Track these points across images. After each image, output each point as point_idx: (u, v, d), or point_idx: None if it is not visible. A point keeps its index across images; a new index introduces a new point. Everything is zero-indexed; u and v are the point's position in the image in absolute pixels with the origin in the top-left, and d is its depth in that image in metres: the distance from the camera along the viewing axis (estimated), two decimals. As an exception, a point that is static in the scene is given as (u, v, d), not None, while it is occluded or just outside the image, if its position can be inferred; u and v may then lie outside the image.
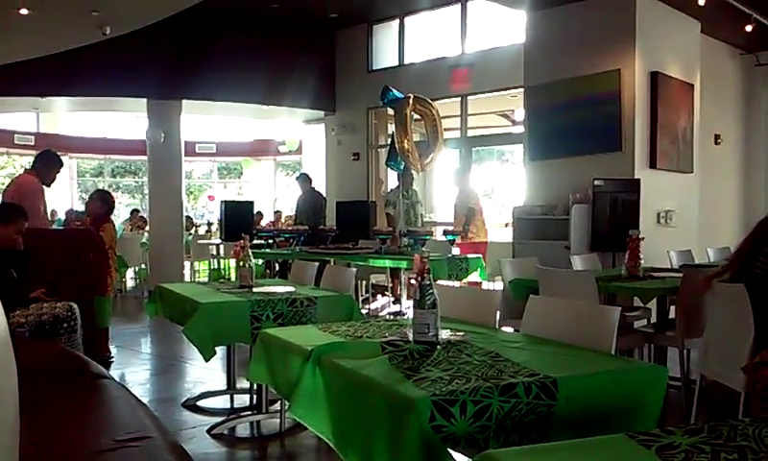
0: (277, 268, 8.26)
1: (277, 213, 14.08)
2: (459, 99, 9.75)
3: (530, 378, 1.83)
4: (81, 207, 15.46)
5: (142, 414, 2.36)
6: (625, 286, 4.07)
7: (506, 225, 9.98)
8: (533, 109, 8.01)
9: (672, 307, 4.28)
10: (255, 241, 8.28)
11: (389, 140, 7.77)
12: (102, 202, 6.27)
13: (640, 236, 4.43)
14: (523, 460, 1.25)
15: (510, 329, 3.54)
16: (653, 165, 7.30)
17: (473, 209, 7.52)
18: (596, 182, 6.96)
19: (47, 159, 5.91)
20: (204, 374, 5.05)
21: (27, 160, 18.68)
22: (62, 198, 17.15)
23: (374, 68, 10.91)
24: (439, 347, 2.21)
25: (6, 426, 1.55)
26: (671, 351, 4.17)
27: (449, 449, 1.67)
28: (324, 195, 10.11)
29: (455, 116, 9.89)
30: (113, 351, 6.00)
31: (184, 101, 10.62)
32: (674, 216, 7.53)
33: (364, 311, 6.91)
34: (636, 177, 7.05)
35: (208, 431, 3.73)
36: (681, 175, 7.73)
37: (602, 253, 6.20)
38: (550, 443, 1.47)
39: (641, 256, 4.36)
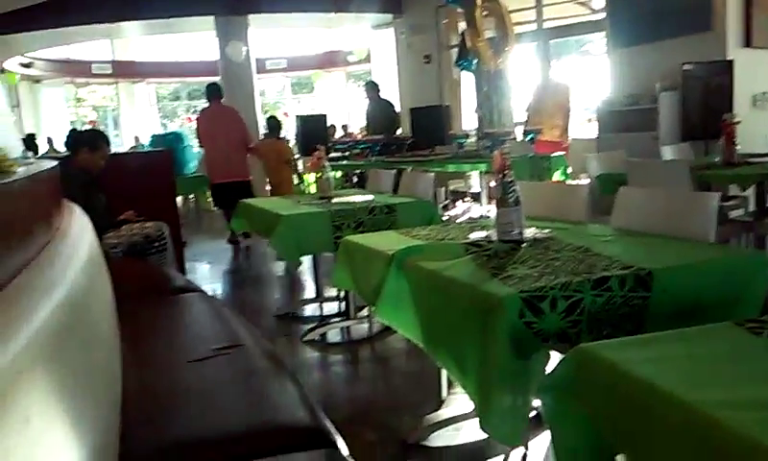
0: (355, 179, 8.28)
1: (345, 126, 14.02)
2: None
3: (623, 271, 1.75)
4: (159, 131, 15.92)
5: (235, 323, 2.43)
6: (721, 174, 3.84)
7: (589, 120, 9.57)
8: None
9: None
10: (331, 154, 8.29)
11: (459, 40, 7.47)
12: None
13: (736, 120, 4.13)
14: (621, 353, 1.18)
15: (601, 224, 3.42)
16: (748, 44, 6.74)
17: (564, 106, 7.16)
18: (685, 67, 6.50)
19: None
20: (293, 285, 5.18)
21: (105, 90, 19.30)
22: (145, 123, 17.67)
23: (441, -35, 10.44)
24: (524, 245, 2.14)
25: (105, 340, 1.62)
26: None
27: (540, 345, 1.63)
28: (397, 102, 9.93)
29: (530, 9, 9.39)
30: (207, 267, 6.24)
31: (251, 16, 10.53)
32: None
33: (444, 218, 6.87)
34: (728, 57, 6.54)
35: (300, 338, 3.84)
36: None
37: (693, 141, 5.85)
38: (649, 334, 1.39)
39: (737, 142, 4.08)
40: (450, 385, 2.73)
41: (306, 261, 4.50)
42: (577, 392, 1.24)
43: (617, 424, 1.13)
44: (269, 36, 15.85)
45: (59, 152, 9.66)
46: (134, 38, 16.25)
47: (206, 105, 7.38)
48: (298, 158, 8.16)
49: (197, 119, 7.63)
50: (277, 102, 21.88)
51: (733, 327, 1.25)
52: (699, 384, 1.02)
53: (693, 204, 2.24)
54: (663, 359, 1.13)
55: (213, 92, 7.25)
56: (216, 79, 9.82)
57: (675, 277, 1.81)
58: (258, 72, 11.62)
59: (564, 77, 7.48)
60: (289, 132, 11.22)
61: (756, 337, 1.19)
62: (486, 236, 2.28)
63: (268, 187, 8.17)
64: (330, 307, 4.44)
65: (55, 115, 16.70)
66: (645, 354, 1.15)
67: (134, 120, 18.09)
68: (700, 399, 0.96)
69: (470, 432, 2.47)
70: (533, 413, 1.66)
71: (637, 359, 1.12)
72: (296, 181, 7.96)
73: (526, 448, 2.28)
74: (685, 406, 0.97)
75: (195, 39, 16.33)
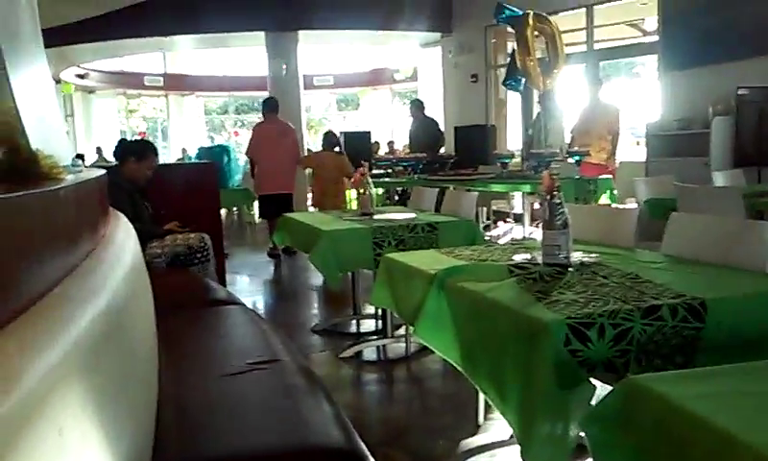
0: (397, 198, 8.27)
1: (391, 143, 14.05)
2: (584, 9, 9.13)
3: (676, 300, 1.67)
4: (206, 143, 16.20)
5: (273, 338, 2.42)
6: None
7: (637, 143, 9.39)
8: (669, 14, 7.37)
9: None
10: (374, 171, 8.30)
11: (508, 59, 7.42)
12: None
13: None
14: (673, 386, 1.12)
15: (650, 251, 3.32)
16: (808, 68, 6.54)
17: (613, 130, 7.03)
18: (740, 92, 6.33)
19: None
20: (331, 301, 5.17)
21: (156, 102, 19.75)
22: (193, 136, 18.01)
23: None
24: (571, 269, 2.08)
25: (144, 350, 1.62)
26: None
27: (586, 375, 1.57)
28: (442, 121, 9.90)
29: (580, 30, 9.29)
30: (247, 279, 6.29)
31: (301, 32, 10.67)
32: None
33: (486, 238, 6.80)
34: (786, 82, 6.35)
35: (336, 355, 3.82)
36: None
37: (746, 168, 5.68)
38: (704, 368, 1.33)
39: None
40: (487, 410, 2.66)
41: (346, 278, 4.49)
42: (625, 424, 1.18)
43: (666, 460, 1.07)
44: (317, 52, 16.03)
45: (108, 161, 9.90)
46: (186, 52, 16.62)
47: (261, 118, 7.57)
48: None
49: (253, 130, 7.81)
50: (323, 118, 22.10)
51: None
52: (756, 424, 0.96)
53: (748, 232, 2.15)
54: (718, 395, 1.07)
55: (270, 106, 7.48)
56: (265, 94, 9.99)
57: (729, 308, 1.73)
58: (305, 88, 11.75)
59: (613, 99, 7.35)
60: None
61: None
62: (531, 259, 2.23)
63: (309, 201, 8.24)
64: (368, 325, 4.41)
65: (106, 125, 17.15)
66: (699, 389, 1.09)
67: (183, 132, 18.47)
68: (757, 440, 0.90)
69: (507, 460, 2.40)
70: (574, 444, 1.59)
71: (691, 394, 1.06)
72: (351, 196, 8.00)
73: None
74: (741, 447, 0.91)
75: (245, 54, 16.62)
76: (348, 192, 7.82)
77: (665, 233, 2.37)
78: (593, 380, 1.59)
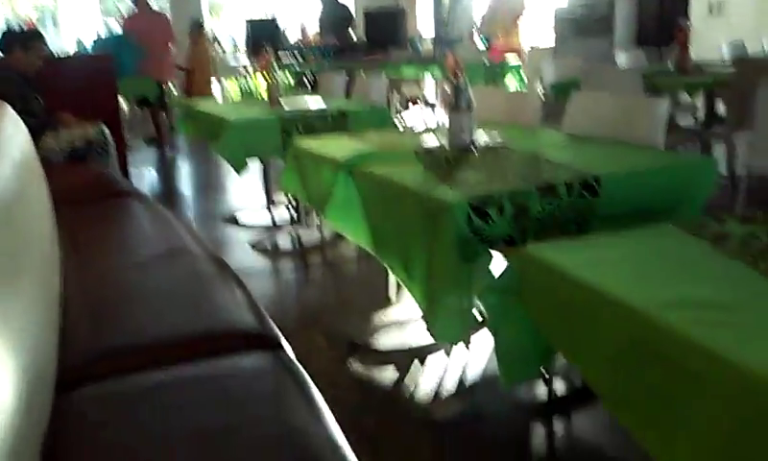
0: (308, 85, 8.08)
1: (303, 28, 13.55)
2: None
3: (572, 175, 1.74)
4: (102, 32, 15.17)
5: (180, 229, 2.38)
6: (671, 80, 3.85)
7: (547, 28, 9.45)
8: None
9: (720, 103, 4.06)
10: (284, 58, 8.03)
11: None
12: None
13: (689, 28, 4.12)
14: (562, 254, 1.18)
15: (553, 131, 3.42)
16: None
17: (517, 15, 7.02)
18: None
19: None
20: (245, 191, 5.10)
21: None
22: (87, 24, 16.74)
23: None
24: (475, 150, 2.12)
25: (39, 246, 1.56)
26: (717, 149, 4.01)
27: (487, 249, 1.64)
28: (351, 3, 9.59)
29: None
30: (153, 172, 6.10)
31: None
32: (728, 5, 6.98)
33: (398, 121, 6.79)
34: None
35: (249, 244, 3.81)
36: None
37: (648, 47, 5.85)
38: (594, 236, 1.41)
39: (690, 50, 4.08)
40: (398, 290, 2.75)
41: (256, 167, 4.42)
42: (519, 293, 1.25)
43: (557, 325, 1.15)
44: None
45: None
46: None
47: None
48: (246, 66, 8.00)
49: (123, 26, 7.38)
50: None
51: (675, 229, 1.27)
52: (636, 285, 1.03)
53: (642, 109, 2.23)
54: (603, 261, 1.14)
55: None
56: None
57: (623, 181, 1.82)
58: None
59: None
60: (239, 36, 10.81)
61: (698, 239, 1.20)
62: (437, 143, 2.25)
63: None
64: (281, 214, 4.40)
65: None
66: (586, 256, 1.16)
67: (76, 20, 17.11)
68: (636, 299, 0.97)
69: (416, 334, 2.51)
70: (475, 317, 1.68)
71: (578, 261, 1.12)
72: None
73: (467, 347, 2.34)
74: (622, 307, 0.98)
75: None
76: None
77: (566, 112, 2.43)
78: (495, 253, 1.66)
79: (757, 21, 7.16)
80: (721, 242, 1.15)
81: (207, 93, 7.56)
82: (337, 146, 2.40)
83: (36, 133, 2.78)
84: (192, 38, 7.93)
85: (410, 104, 8.33)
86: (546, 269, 1.14)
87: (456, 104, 2.15)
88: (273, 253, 3.76)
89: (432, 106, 7.86)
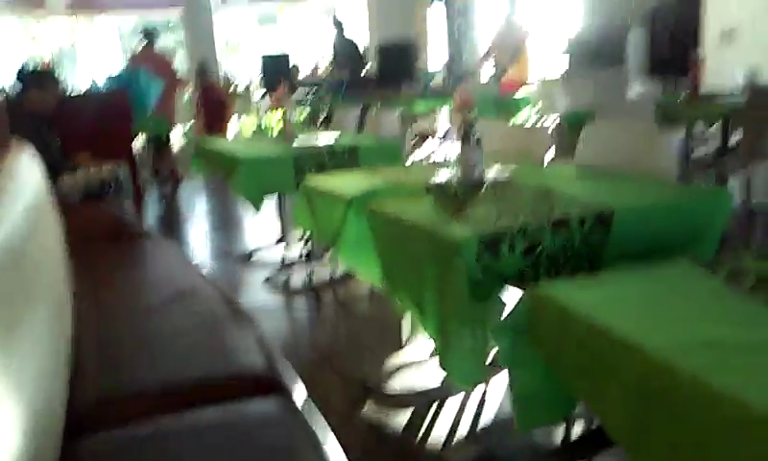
0: (322, 120, 8.13)
1: (316, 64, 13.69)
2: None
3: (584, 211, 1.72)
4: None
5: (193, 269, 2.38)
6: (686, 111, 3.83)
7: (560, 57, 9.47)
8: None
9: (735, 133, 4.02)
10: (297, 94, 8.11)
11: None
12: None
13: (703, 58, 4.11)
14: (574, 293, 1.16)
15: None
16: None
17: (520, 49, 7.07)
18: (654, 2, 6.43)
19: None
20: (258, 228, 5.11)
21: (63, 26, 18.49)
22: (106, 63, 17.04)
23: None
24: (485, 185, 2.11)
25: (51, 287, 1.56)
26: (732, 179, 3.96)
27: (499, 286, 1.62)
28: (365, 38, 9.68)
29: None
30: (168, 210, 6.13)
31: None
32: (740, 34, 6.96)
33: (411, 157, 6.81)
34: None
35: (262, 282, 3.80)
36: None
37: (662, 76, 5.83)
38: (605, 273, 1.38)
39: (703, 79, 4.06)
40: (412, 330, 2.72)
41: (271, 205, 4.43)
42: (531, 334, 1.22)
43: (569, 366, 1.12)
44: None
45: (4, 91, 9.27)
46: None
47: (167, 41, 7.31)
48: (262, 97, 8.10)
49: (133, 62, 7.54)
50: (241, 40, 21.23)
51: (691, 266, 1.24)
52: (650, 326, 1.01)
53: (656, 141, 2.22)
54: (616, 300, 1.11)
55: (148, 37, 7.29)
56: (177, 12, 9.45)
57: (636, 215, 1.80)
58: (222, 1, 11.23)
59: (522, 21, 7.41)
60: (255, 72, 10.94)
61: (713, 277, 1.17)
62: (447, 177, 2.24)
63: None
64: (295, 251, 4.39)
65: (7, 55, 16.01)
66: (598, 294, 1.13)
67: (95, 59, 17.45)
68: (650, 342, 0.95)
69: (430, 375, 2.48)
70: (489, 355, 1.65)
71: (590, 300, 1.10)
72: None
73: (486, 387, 2.30)
74: (636, 351, 0.95)
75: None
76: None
77: (579, 144, 2.42)
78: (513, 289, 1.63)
79: (770, 48, 7.13)
80: (736, 279, 1.12)
81: (223, 132, 7.66)
82: (348, 183, 2.40)
83: (53, 174, 2.82)
84: (200, 80, 8.10)
85: (423, 138, 8.36)
86: (557, 308, 1.12)
87: (466, 139, 2.15)
88: (286, 290, 3.75)
89: (445, 139, 7.87)
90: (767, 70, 5.69)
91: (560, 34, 9.42)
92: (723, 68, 5.59)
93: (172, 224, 5.83)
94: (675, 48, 6.12)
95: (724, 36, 6.82)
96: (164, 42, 7.56)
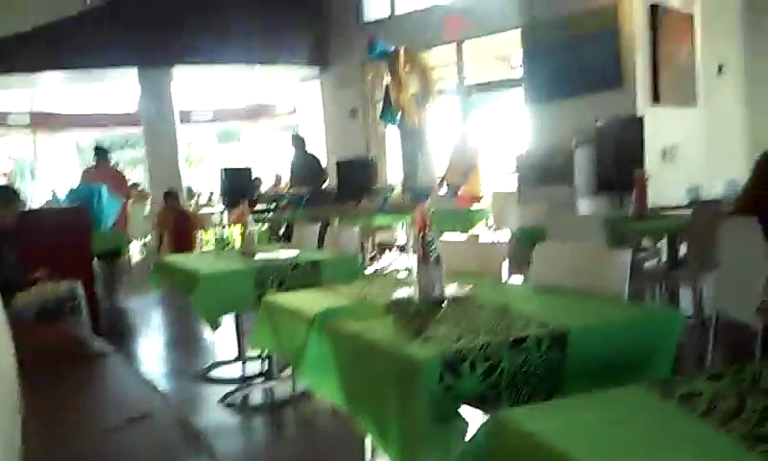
0: (281, 234, 8.22)
1: (277, 177, 13.94)
2: (455, 45, 9.51)
3: (541, 330, 1.77)
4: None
5: (148, 391, 2.33)
6: (633, 227, 4.00)
7: (510, 173, 9.87)
8: (530, 50, 7.83)
9: (682, 246, 4.20)
10: (258, 207, 8.21)
11: (384, 94, 7.61)
12: None
13: (646, 175, 4.34)
14: (539, 420, 1.18)
15: (520, 279, 3.48)
16: (656, 100, 7.14)
17: (473, 166, 7.39)
18: (598, 123, 6.81)
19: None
20: (216, 343, 5.04)
21: (23, 140, 18.59)
22: (65, 176, 17.02)
23: (366, 20, 10.66)
24: (445, 303, 2.15)
25: (6, 408, 1.51)
26: (683, 291, 4.10)
27: (461, 407, 1.63)
28: (324, 154, 9.96)
29: (451, 64, 9.66)
30: (124, 327, 6.00)
31: (176, 68, 10.44)
32: (679, 152, 7.39)
33: (371, 269, 6.87)
34: (638, 113, 6.89)
35: (220, 401, 3.71)
36: (685, 109, 7.56)
37: (609, 193, 6.10)
38: (565, 399, 1.41)
39: (648, 196, 4.27)
40: (375, 449, 2.67)
41: (229, 320, 4.39)
42: None
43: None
44: (197, 88, 15.68)
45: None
46: (55, 88, 15.76)
47: (130, 155, 7.41)
48: (222, 212, 8.19)
49: (88, 178, 7.66)
50: (203, 154, 21.53)
51: (647, 391, 1.27)
52: (607, 456, 1.03)
53: (607, 260, 2.30)
54: (576, 428, 1.13)
55: (99, 153, 7.47)
56: (139, 129, 9.64)
57: (591, 335, 1.85)
58: (183, 122, 11.48)
59: (476, 137, 7.80)
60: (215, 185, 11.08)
61: (667, 401, 1.21)
62: (407, 295, 2.28)
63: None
64: (253, 367, 4.32)
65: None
66: (559, 422, 1.15)
67: (54, 172, 17.44)
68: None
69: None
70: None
71: (550, 427, 1.12)
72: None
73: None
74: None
75: (119, 88, 15.97)
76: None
77: (532, 263, 2.50)
78: (477, 411, 1.64)
79: (708, 165, 7.58)
80: (689, 403, 1.16)
81: (190, 250, 7.70)
82: (309, 301, 2.41)
83: (8, 290, 2.77)
84: (169, 203, 8.24)
85: (382, 249, 8.48)
86: (518, 436, 1.13)
87: (424, 257, 2.20)
88: (244, 409, 3.67)
89: (404, 251, 7.99)
90: (707, 185, 6.03)
91: (509, 150, 9.86)
92: (666, 184, 5.89)
93: (128, 340, 5.69)
94: (620, 166, 6.44)
95: (665, 153, 7.23)
96: (121, 158, 7.69)
